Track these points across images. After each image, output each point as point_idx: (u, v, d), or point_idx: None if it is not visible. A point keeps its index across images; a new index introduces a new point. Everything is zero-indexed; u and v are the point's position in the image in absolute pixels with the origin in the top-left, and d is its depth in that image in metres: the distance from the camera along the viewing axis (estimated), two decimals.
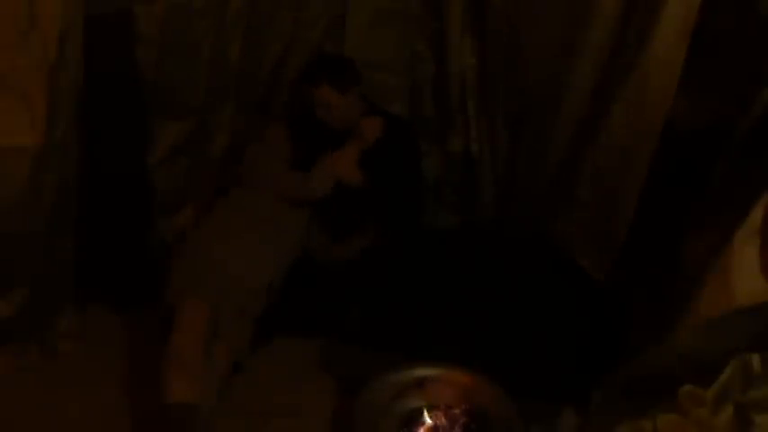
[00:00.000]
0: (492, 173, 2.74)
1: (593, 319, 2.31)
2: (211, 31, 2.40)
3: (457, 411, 1.99)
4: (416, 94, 2.82)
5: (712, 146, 1.99)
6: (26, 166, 2.02)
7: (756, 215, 1.58)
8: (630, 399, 1.59)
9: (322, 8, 2.66)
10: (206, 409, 1.99)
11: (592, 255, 2.43)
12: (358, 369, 2.19)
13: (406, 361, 2.08)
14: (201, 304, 2.12)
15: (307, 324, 2.43)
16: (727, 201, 1.77)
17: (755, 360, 1.37)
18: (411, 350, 2.19)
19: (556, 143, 2.47)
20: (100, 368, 2.29)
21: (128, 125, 2.44)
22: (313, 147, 2.59)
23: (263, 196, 2.51)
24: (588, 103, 2.34)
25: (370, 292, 2.43)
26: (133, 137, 2.46)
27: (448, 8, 2.57)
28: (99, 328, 2.43)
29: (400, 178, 2.62)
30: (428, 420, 1.98)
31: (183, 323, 2.08)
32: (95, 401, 2.15)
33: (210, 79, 2.48)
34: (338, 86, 2.53)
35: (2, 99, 1.93)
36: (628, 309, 2.22)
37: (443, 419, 1.98)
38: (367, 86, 2.65)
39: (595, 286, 2.40)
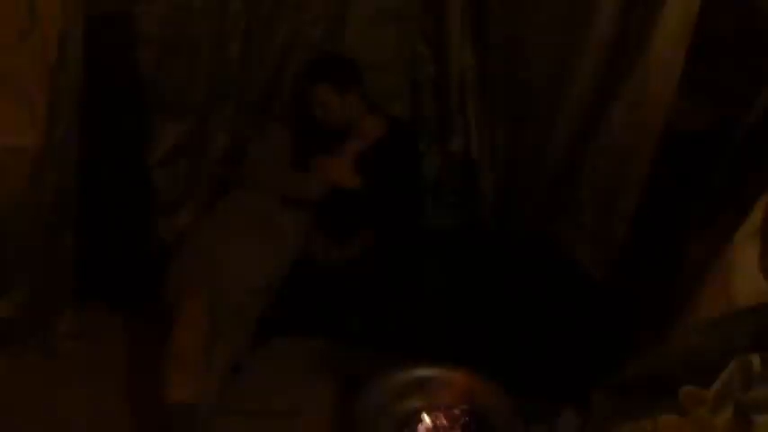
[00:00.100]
0: (492, 173, 2.74)
1: (594, 319, 2.31)
2: (211, 31, 2.40)
3: (457, 411, 1.99)
4: (416, 94, 2.82)
5: (712, 146, 1.99)
6: (26, 166, 2.02)
7: (756, 216, 1.58)
8: (630, 399, 1.59)
9: (322, 8, 2.66)
10: (206, 408, 1.99)
11: (592, 255, 2.43)
12: (358, 369, 2.19)
13: (406, 361, 2.08)
14: (201, 304, 2.12)
15: (307, 324, 2.43)
16: (727, 201, 1.77)
17: (755, 360, 1.36)
18: (411, 350, 2.19)
19: (556, 143, 2.47)
20: (100, 368, 2.29)
21: (128, 125, 2.44)
22: (313, 147, 2.59)
23: (264, 196, 2.51)
24: (588, 104, 2.34)
25: (369, 292, 2.43)
26: (133, 137, 2.46)
27: (448, 8, 2.58)
28: (99, 328, 2.43)
29: (399, 179, 2.61)
30: (428, 420, 1.98)
31: (182, 323, 2.08)
32: (95, 401, 2.15)
33: (210, 79, 2.48)
34: (338, 86, 2.53)
35: (2, 99, 1.94)
36: (628, 309, 2.22)
37: (443, 419, 1.98)
38: (367, 86, 2.64)
39: (595, 286, 2.40)
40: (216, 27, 2.40)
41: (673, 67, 2.07)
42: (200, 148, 2.60)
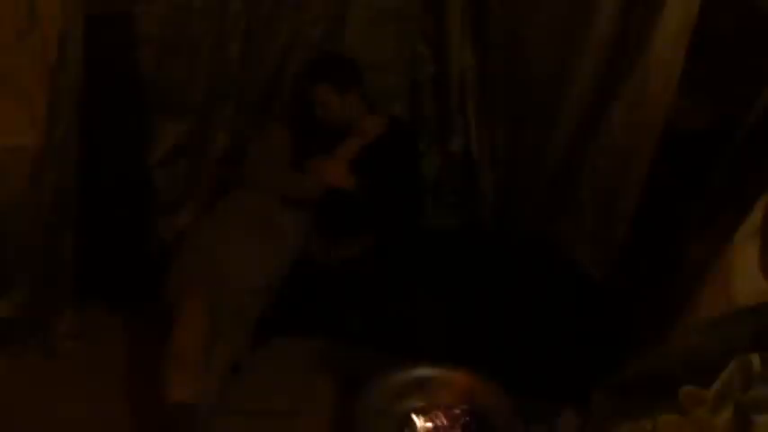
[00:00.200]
0: (492, 173, 2.74)
1: (594, 319, 2.31)
2: (211, 31, 2.40)
3: (457, 411, 1.99)
4: (416, 94, 2.82)
5: (712, 146, 1.99)
6: (26, 166, 2.02)
7: (756, 215, 1.58)
8: (630, 399, 1.59)
9: (322, 8, 2.66)
10: (206, 408, 1.99)
11: (592, 255, 2.43)
12: (358, 369, 2.19)
13: (406, 361, 2.08)
14: (201, 304, 2.12)
15: (307, 324, 2.43)
16: (727, 201, 1.77)
17: (755, 360, 1.36)
18: (411, 350, 2.19)
19: (556, 143, 2.47)
20: (100, 368, 2.29)
21: (128, 125, 2.45)
22: (313, 147, 2.59)
23: (264, 196, 2.51)
24: (588, 104, 2.34)
25: (369, 292, 2.43)
26: (133, 137, 2.46)
27: (448, 8, 2.58)
28: (99, 328, 2.43)
29: (398, 179, 2.61)
30: (428, 421, 1.98)
31: (182, 323, 2.08)
32: (95, 401, 2.14)
33: (210, 79, 2.48)
34: (338, 86, 2.53)
35: (2, 99, 1.94)
36: (628, 309, 2.22)
37: (443, 419, 1.98)
38: (367, 86, 2.65)
39: (595, 286, 2.40)
40: (216, 27, 2.40)
41: (673, 67, 2.07)
42: (200, 148, 2.60)
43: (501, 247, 2.69)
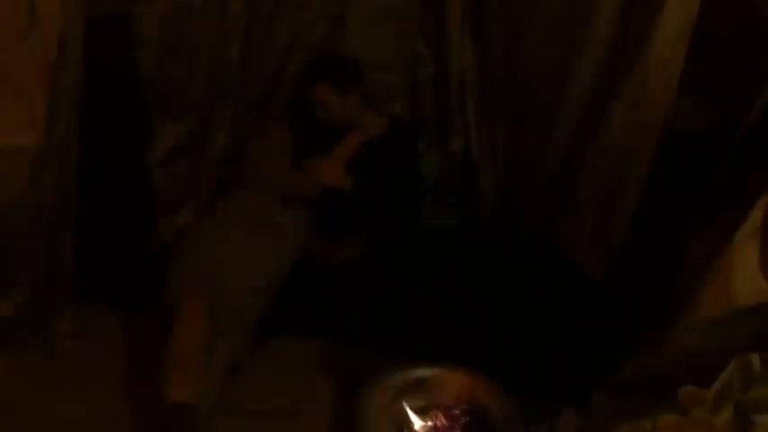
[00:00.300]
0: (492, 173, 2.74)
1: (594, 319, 2.31)
2: (211, 31, 2.40)
3: (457, 411, 1.99)
4: (416, 94, 2.82)
5: (712, 146, 1.99)
6: (26, 166, 2.02)
7: (756, 215, 1.58)
8: (630, 399, 1.59)
9: (322, 8, 2.66)
10: (206, 408, 1.99)
11: (592, 255, 2.43)
12: (358, 369, 2.19)
13: (406, 361, 2.08)
14: (201, 304, 2.12)
15: (307, 324, 2.43)
16: (727, 201, 1.77)
17: (755, 360, 1.36)
18: (411, 350, 2.19)
19: (556, 143, 2.48)
20: (100, 368, 2.29)
21: (128, 125, 2.45)
22: (313, 146, 2.59)
23: (264, 196, 2.51)
24: (588, 104, 2.34)
25: (369, 292, 2.43)
26: (133, 137, 2.46)
27: (448, 8, 2.58)
28: (99, 328, 2.43)
29: (395, 180, 2.60)
30: (428, 420, 1.98)
31: (182, 323, 2.08)
32: (95, 401, 2.14)
33: (210, 79, 2.48)
34: (338, 86, 2.53)
35: (2, 99, 1.94)
36: (628, 309, 2.22)
37: (443, 419, 1.98)
38: (367, 86, 2.65)
39: (595, 286, 2.40)
40: (216, 27, 2.40)
41: (673, 67, 2.07)
42: (201, 148, 2.60)
43: (501, 247, 2.69)
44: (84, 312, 2.42)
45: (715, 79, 2.12)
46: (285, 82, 2.75)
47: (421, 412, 1.99)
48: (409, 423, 1.98)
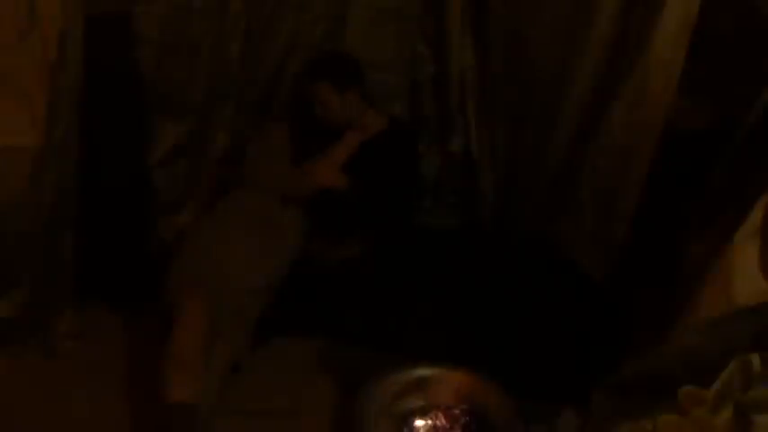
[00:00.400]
0: (492, 173, 2.74)
1: (594, 319, 2.31)
2: (211, 31, 2.40)
3: (457, 411, 1.99)
4: (416, 94, 2.82)
5: (712, 146, 1.99)
6: (26, 166, 2.02)
7: (756, 215, 1.59)
8: (630, 399, 1.59)
9: (322, 8, 2.66)
10: (206, 408, 1.99)
11: (592, 255, 2.43)
12: (358, 369, 2.19)
13: (406, 361, 2.08)
14: (201, 304, 2.12)
15: (307, 324, 2.43)
16: (727, 201, 1.77)
17: (755, 360, 1.37)
18: (411, 350, 2.19)
19: (556, 143, 2.48)
20: (100, 368, 2.29)
21: (128, 125, 2.44)
22: (313, 146, 2.59)
23: (264, 196, 2.51)
24: (588, 104, 2.34)
25: (369, 292, 2.43)
26: (133, 137, 2.46)
27: (448, 8, 2.58)
28: (99, 328, 2.43)
29: (392, 181, 2.60)
30: (428, 420, 1.98)
31: (182, 323, 2.08)
32: (95, 401, 2.15)
33: (210, 79, 2.48)
34: (338, 85, 2.53)
35: (2, 99, 1.94)
36: (628, 309, 2.22)
37: (443, 419, 1.98)
38: (367, 86, 2.64)
39: (595, 286, 2.40)
40: (216, 27, 2.40)
41: (673, 67, 2.07)
42: (201, 148, 2.60)
43: (501, 247, 2.69)
44: (84, 312, 2.41)
45: (715, 79, 2.12)
46: (285, 82, 2.75)
47: (421, 412, 2.00)
48: (409, 423, 1.98)
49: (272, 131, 2.67)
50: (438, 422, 1.98)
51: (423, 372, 2.05)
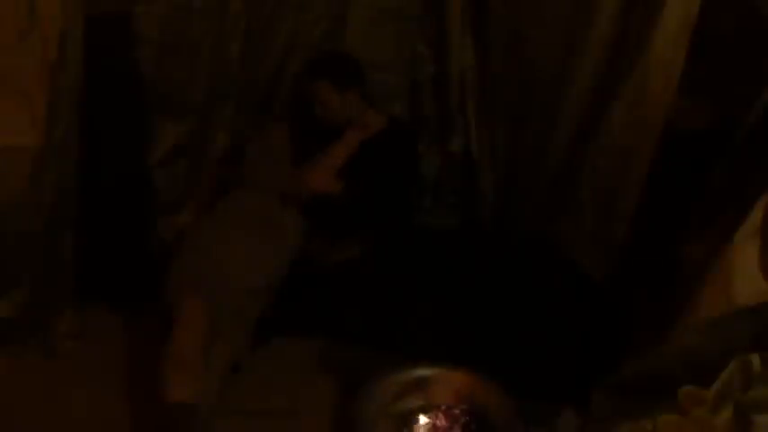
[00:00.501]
0: (492, 173, 2.74)
1: (594, 319, 2.31)
2: (211, 31, 2.40)
3: (457, 411, 1.99)
4: (416, 94, 2.82)
5: (712, 146, 1.99)
6: (26, 166, 2.02)
7: (756, 215, 1.59)
8: (630, 399, 1.59)
9: (322, 8, 2.66)
10: (205, 408, 1.99)
11: (592, 255, 2.43)
12: (358, 369, 2.19)
13: (406, 361, 2.08)
14: (201, 304, 2.12)
15: (307, 324, 2.43)
16: (727, 201, 1.77)
17: (755, 360, 1.37)
18: (411, 350, 2.19)
19: (556, 143, 2.48)
20: (100, 368, 2.29)
21: (128, 125, 2.45)
22: (313, 146, 2.59)
23: (264, 196, 2.51)
24: (588, 104, 2.35)
25: (369, 292, 2.43)
26: (133, 137, 2.46)
27: (448, 8, 2.58)
28: (99, 328, 2.43)
29: (389, 183, 2.60)
30: (428, 420, 1.98)
31: (182, 323, 2.08)
32: (95, 401, 2.15)
33: (210, 79, 2.48)
34: (338, 85, 2.53)
35: (2, 99, 1.94)
36: (628, 309, 2.22)
37: (443, 419, 1.98)
38: (367, 86, 2.65)
39: (595, 286, 2.40)
40: (216, 27, 2.40)
41: (673, 67, 2.07)
42: (201, 148, 2.60)
43: (501, 247, 2.69)
44: (84, 312, 2.41)
45: (715, 79, 2.12)
46: (285, 82, 2.75)
47: (421, 412, 2.00)
48: (409, 423, 1.98)
49: (272, 131, 2.67)
50: (438, 422, 1.98)
51: (423, 372, 2.05)
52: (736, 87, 2.02)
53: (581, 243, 2.46)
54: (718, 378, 1.38)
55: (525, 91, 2.51)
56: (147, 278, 2.38)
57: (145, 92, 2.39)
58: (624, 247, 2.34)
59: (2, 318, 2.20)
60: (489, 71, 2.59)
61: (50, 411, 2.11)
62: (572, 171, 2.44)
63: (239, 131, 2.69)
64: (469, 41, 2.61)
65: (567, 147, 2.45)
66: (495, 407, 1.97)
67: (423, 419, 1.99)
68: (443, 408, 2.00)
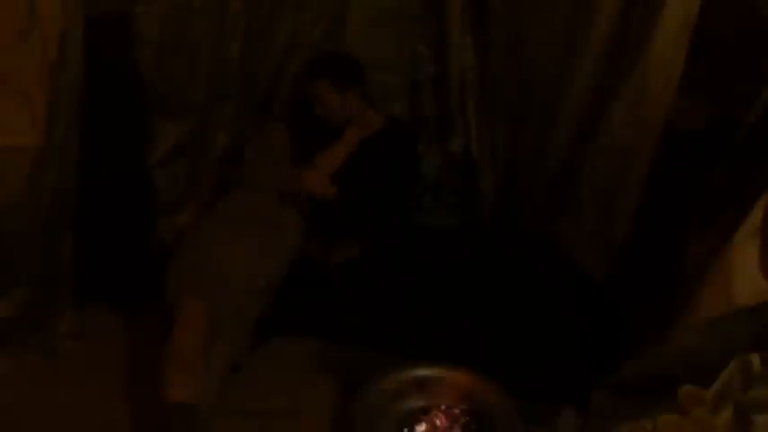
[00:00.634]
0: (492, 173, 2.74)
1: (594, 319, 2.31)
2: (211, 31, 2.40)
3: (457, 411, 1.99)
4: (416, 94, 2.82)
5: (712, 146, 1.99)
6: (26, 166, 2.02)
7: (756, 215, 1.58)
8: (630, 399, 1.59)
9: (322, 8, 2.66)
10: (205, 408, 1.99)
11: (592, 255, 2.43)
12: (358, 369, 2.19)
13: (406, 361, 2.08)
14: (201, 304, 2.12)
15: (307, 324, 2.43)
16: (727, 201, 1.77)
17: (755, 360, 1.37)
18: (411, 350, 2.19)
19: (556, 143, 2.48)
20: (100, 368, 2.29)
21: (128, 125, 2.45)
22: (313, 146, 2.59)
23: (264, 196, 2.51)
24: (588, 103, 2.34)
25: (369, 292, 2.43)
26: (133, 137, 2.46)
27: (448, 8, 2.58)
28: (99, 328, 2.43)
29: (390, 181, 2.59)
30: (428, 420, 1.98)
31: (182, 323, 2.08)
32: (95, 401, 2.15)
33: (210, 79, 2.48)
34: (338, 84, 2.53)
35: (2, 99, 1.94)
36: (628, 309, 2.22)
37: (443, 419, 1.98)
38: (367, 86, 2.65)
39: (595, 286, 2.40)
40: (216, 27, 2.40)
41: (673, 67, 2.07)
42: (201, 148, 2.60)
43: (501, 247, 2.69)
44: (84, 312, 2.42)
45: (715, 79, 2.12)
46: (285, 82, 2.75)
47: (421, 412, 2.00)
48: (409, 423, 1.98)
49: (272, 131, 2.67)
50: (438, 422, 1.98)
51: (423, 372, 2.05)
52: (736, 87, 2.02)
53: (581, 243, 2.46)
54: (718, 378, 1.38)
55: (525, 91, 2.51)
56: (147, 278, 2.38)
57: (145, 92, 2.39)
58: (624, 247, 2.34)
59: (2, 318, 2.20)
60: (489, 71, 2.59)
61: (50, 411, 2.11)
62: (572, 171, 2.44)
63: (239, 131, 2.69)
64: (469, 41, 2.61)
65: (566, 147, 2.45)
66: (495, 407, 1.97)
67: (423, 419, 1.99)
68: (443, 408, 2.00)
